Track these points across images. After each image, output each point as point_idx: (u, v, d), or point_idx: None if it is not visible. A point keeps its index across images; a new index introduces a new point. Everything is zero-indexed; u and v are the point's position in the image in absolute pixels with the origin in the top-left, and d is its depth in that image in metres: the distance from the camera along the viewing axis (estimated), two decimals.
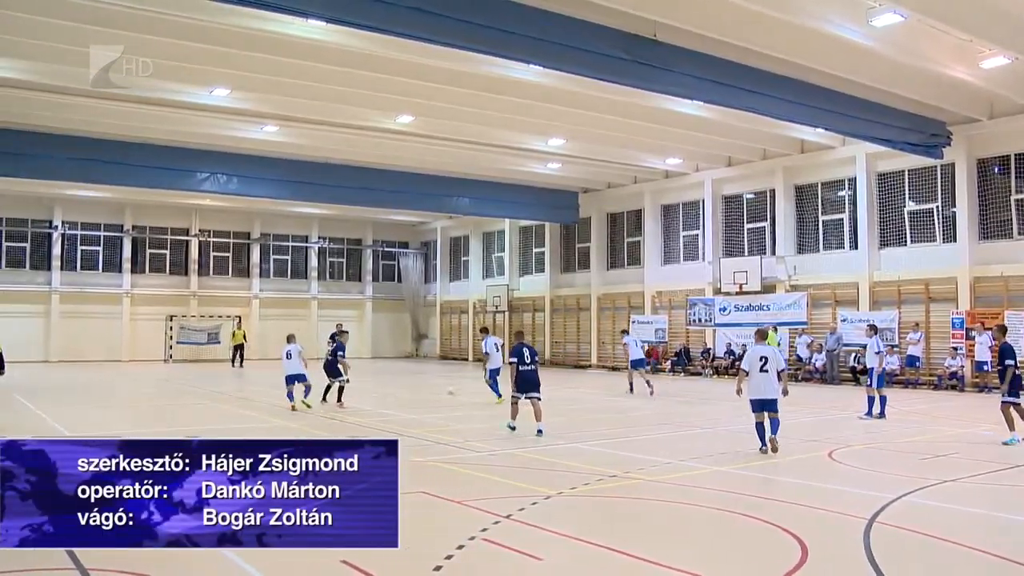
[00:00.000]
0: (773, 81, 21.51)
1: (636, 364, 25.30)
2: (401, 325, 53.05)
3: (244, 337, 43.95)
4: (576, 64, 18.98)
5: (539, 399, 15.58)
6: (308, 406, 19.93)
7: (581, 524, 8.91)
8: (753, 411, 13.54)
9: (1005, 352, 14.73)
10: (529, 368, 15.61)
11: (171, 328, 45.20)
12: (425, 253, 54.15)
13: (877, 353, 18.75)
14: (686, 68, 19.98)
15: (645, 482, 11.17)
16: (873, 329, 19.90)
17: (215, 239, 47.93)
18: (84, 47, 19.31)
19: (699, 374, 33.94)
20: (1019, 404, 14.36)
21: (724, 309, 34.12)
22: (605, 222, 41.16)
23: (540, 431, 15.13)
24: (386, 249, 53.58)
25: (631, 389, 24.86)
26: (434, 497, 9.99)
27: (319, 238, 50.71)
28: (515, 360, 15.58)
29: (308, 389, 20.25)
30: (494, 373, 22.33)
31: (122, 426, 17.82)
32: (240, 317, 46.46)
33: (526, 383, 15.54)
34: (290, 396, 19.97)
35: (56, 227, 43.41)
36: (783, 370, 13.63)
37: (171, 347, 45.11)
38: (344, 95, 24.44)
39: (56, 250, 43.63)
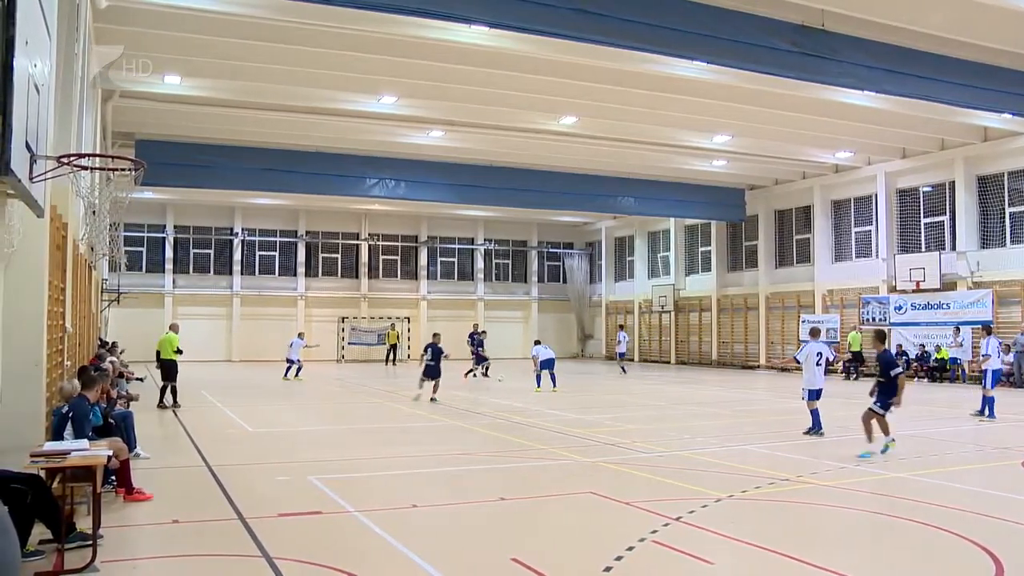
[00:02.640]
0: (950, 65, 20.48)
1: (545, 365, 26.86)
2: (566, 325, 53.22)
3: (397, 338, 45.27)
4: (741, 58, 18.60)
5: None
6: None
7: (752, 528, 8.70)
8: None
9: (888, 363, 13.65)
10: (431, 363, 22.04)
11: (343, 329, 46.76)
12: (590, 253, 54.19)
13: (985, 355, 19.05)
14: (856, 57, 19.32)
15: (819, 487, 10.81)
16: (989, 330, 19.75)
17: (384, 243, 49.36)
18: (261, 63, 20.32)
19: (873, 375, 32.58)
20: (883, 416, 13.16)
21: (900, 308, 32.73)
22: (773, 219, 40.19)
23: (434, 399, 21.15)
24: (551, 250, 53.90)
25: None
26: (603, 498, 9.98)
27: (484, 240, 51.50)
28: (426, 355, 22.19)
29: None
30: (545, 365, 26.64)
31: (304, 423, 18.55)
32: (401, 319, 47.63)
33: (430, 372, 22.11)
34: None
35: (236, 234, 45.72)
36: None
37: (343, 347, 46.72)
38: (507, 98, 24.74)
39: (237, 255, 45.94)
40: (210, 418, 18.78)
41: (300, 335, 32.97)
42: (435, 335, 23.63)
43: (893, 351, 32.32)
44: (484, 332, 34.66)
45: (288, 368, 31.37)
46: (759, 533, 8.40)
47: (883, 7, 18.04)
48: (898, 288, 32.77)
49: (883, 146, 32.18)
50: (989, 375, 18.67)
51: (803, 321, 36.66)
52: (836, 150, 32.89)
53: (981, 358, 19.34)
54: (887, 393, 13.27)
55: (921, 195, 33.35)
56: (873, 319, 33.76)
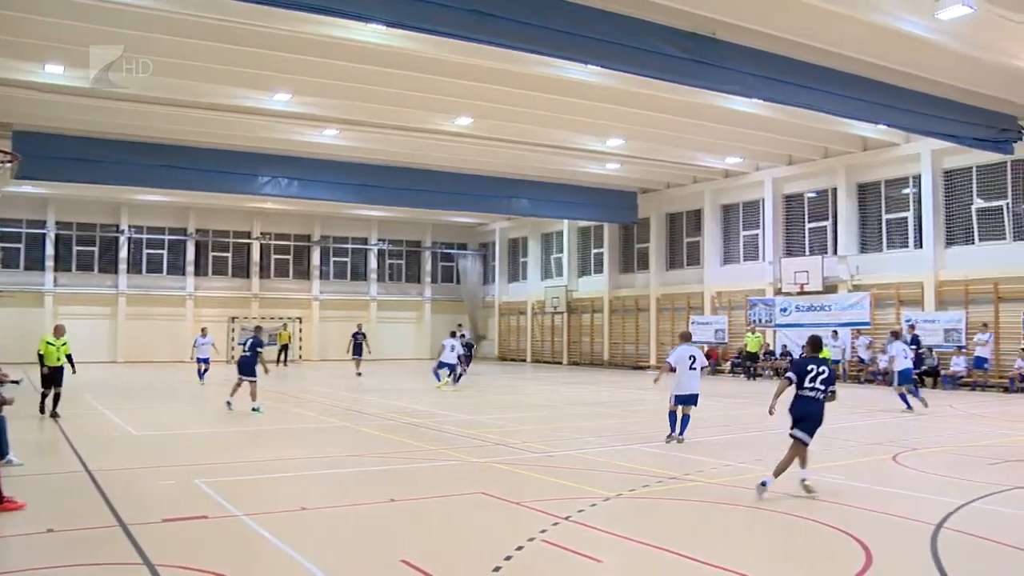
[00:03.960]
0: (834, 77, 21.19)
1: (442, 364, 27.85)
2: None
3: (289, 338, 44.69)
4: (634, 64, 18.86)
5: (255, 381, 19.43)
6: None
7: (641, 526, 8.83)
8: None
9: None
10: (247, 355, 19.69)
11: (233, 330, 45.83)
12: (484, 254, 54.38)
13: (892, 356, 20.74)
14: (745, 66, 19.78)
15: (705, 484, 11.05)
16: (898, 335, 20.80)
17: (276, 242, 48.63)
18: (151, 55, 19.73)
19: (760, 375, 33.51)
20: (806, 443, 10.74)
21: (785, 309, 33.71)
22: (664, 222, 40.95)
23: (256, 408, 19.02)
24: (445, 251, 53.91)
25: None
26: (493, 498, 10.01)
27: (378, 240, 51.20)
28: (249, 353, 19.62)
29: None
30: (441, 365, 27.28)
31: (191, 426, 18.13)
32: (292, 320, 47.00)
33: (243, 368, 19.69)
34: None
35: (123, 231, 44.37)
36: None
37: (233, 348, 45.77)
38: (403, 98, 24.62)
39: (123, 253, 44.61)
40: (92, 422, 18.08)
41: (204, 331, 31.40)
42: (257, 328, 22.07)
43: (778, 352, 33.35)
44: (364, 334, 34.93)
45: (204, 371, 29.73)
46: (646, 531, 8.53)
47: (772, 20, 18.50)
48: (783, 290, 33.75)
49: (770, 153, 33.09)
50: (895, 376, 20.57)
51: (692, 322, 37.43)
52: (726, 155, 33.68)
53: (888, 360, 20.33)
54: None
55: (806, 201, 34.42)
56: (760, 320, 34.70)
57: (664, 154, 33.10)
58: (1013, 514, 9.58)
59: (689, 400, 14.77)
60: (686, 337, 16.30)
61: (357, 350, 34.04)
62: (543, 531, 8.26)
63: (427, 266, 53.34)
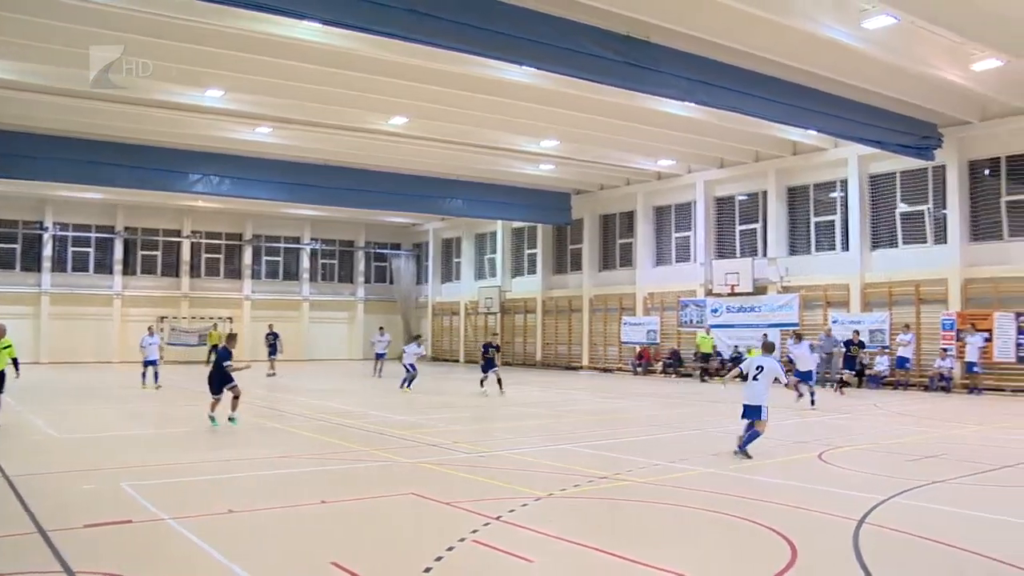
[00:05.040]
0: (765, 83, 21.57)
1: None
2: (393, 326, 52.82)
3: (219, 338, 43.93)
4: (569, 65, 18.98)
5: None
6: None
7: (571, 525, 8.89)
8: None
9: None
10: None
11: (162, 330, 45.00)
12: (417, 254, 54.28)
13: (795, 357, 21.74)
14: (678, 70, 20.03)
15: (635, 484, 11.16)
16: (800, 337, 20.92)
17: (207, 240, 47.91)
18: (78, 48, 19.32)
19: (690, 375, 33.91)
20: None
21: (716, 310, 34.15)
22: (597, 223, 41.24)
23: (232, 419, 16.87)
24: (378, 251, 53.67)
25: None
26: (424, 499, 9.99)
27: (311, 239, 50.76)
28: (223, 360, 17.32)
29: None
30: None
31: (118, 428, 17.80)
32: (223, 320, 46.40)
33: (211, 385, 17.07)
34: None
35: (47, 228, 43.33)
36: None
37: (162, 348, 44.89)
38: (338, 97, 24.46)
39: (47, 251, 43.55)
40: (11, 425, 17.56)
41: (150, 330, 29.78)
42: (230, 337, 20.86)
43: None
44: (276, 334, 35.10)
45: (156, 374, 27.47)
46: (577, 530, 8.60)
47: (705, 25, 18.71)
48: (714, 291, 34.20)
49: (703, 156, 33.52)
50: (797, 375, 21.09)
51: (624, 323, 37.80)
52: (659, 158, 34.04)
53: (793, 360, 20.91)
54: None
55: (737, 203, 34.93)
56: (691, 321, 35.12)
57: (598, 156, 33.34)
58: (930, 508, 9.85)
59: (749, 413, 13.30)
60: (768, 347, 14.74)
61: (271, 350, 34.18)
62: (474, 531, 8.28)
63: (360, 266, 53.03)
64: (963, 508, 9.83)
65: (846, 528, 8.51)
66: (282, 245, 50.27)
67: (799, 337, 22.40)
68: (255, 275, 49.37)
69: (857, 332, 28.33)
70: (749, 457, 12.98)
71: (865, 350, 28.38)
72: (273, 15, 16.80)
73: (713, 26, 18.81)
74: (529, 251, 45.49)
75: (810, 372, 21.39)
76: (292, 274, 50.82)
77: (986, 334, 26.12)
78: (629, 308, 38.67)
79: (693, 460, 13.10)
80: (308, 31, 18.61)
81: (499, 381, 25.00)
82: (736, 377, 14.22)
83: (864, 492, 10.36)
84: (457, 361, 48.71)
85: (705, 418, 19.50)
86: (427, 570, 7.02)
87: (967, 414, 20.72)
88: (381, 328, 36.85)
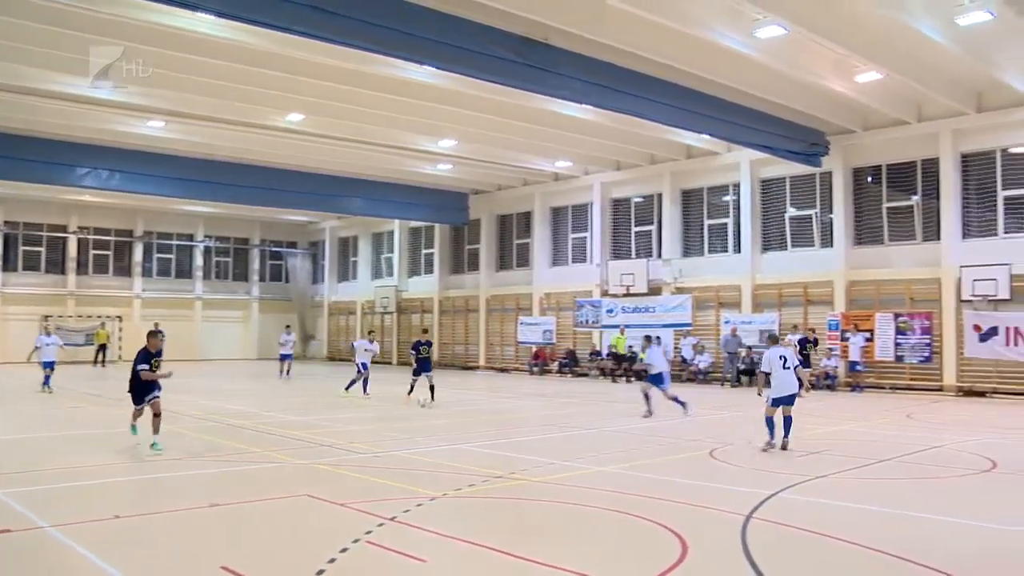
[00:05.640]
0: (661, 87, 22.00)
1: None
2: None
3: (107, 338, 42.88)
4: (468, 66, 19.03)
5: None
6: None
7: (466, 525, 8.91)
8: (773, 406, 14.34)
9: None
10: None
11: (46, 329, 43.42)
12: (313, 253, 53.68)
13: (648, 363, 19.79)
14: (577, 72, 20.26)
15: (529, 483, 11.23)
16: (651, 340, 20.39)
17: (95, 237, 46.44)
18: None
19: (586, 375, 34.28)
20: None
21: (611, 311, 34.58)
22: (495, 224, 41.40)
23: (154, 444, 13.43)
24: (274, 249, 52.83)
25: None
26: (318, 500, 9.88)
27: (205, 237, 49.69)
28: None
29: None
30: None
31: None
32: (112, 319, 45.13)
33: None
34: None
35: None
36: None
37: (62, 349, 43.32)
38: (234, 92, 24.00)
39: None
40: None
41: (47, 330, 28.17)
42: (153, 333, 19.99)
43: (604, 353, 34.15)
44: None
45: (47, 377, 25.11)
46: (471, 529, 8.61)
47: (604, 28, 18.94)
48: (610, 292, 34.63)
49: (599, 158, 33.93)
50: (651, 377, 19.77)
51: (520, 323, 38.03)
52: (556, 159, 34.33)
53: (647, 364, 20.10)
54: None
55: (633, 205, 35.45)
56: (586, 321, 35.49)
57: (496, 156, 33.46)
58: (815, 502, 10.15)
59: (789, 400, 14.24)
60: (774, 339, 15.69)
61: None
62: (368, 532, 8.22)
63: (255, 264, 52.16)
64: (846, 501, 10.18)
65: (735, 523, 8.72)
66: (174, 242, 49.07)
67: (650, 339, 21.09)
68: (146, 273, 48.06)
69: (813, 330, 28.30)
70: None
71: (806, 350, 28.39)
72: (168, 6, 16.36)
73: (611, 30, 19.07)
74: (426, 251, 45.40)
75: (661, 375, 19.48)
76: (185, 272, 49.64)
77: (867, 334, 27.11)
78: (526, 308, 38.91)
79: (587, 459, 13.26)
80: (203, 23, 18.24)
81: (431, 388, 21.81)
82: (765, 383, 14.87)
83: (753, 488, 10.63)
84: (352, 361, 48.19)
85: (600, 417, 19.71)
86: (319, 572, 6.94)
87: (850, 411, 21.47)
88: (288, 327, 36.01)
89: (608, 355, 33.89)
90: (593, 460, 13.13)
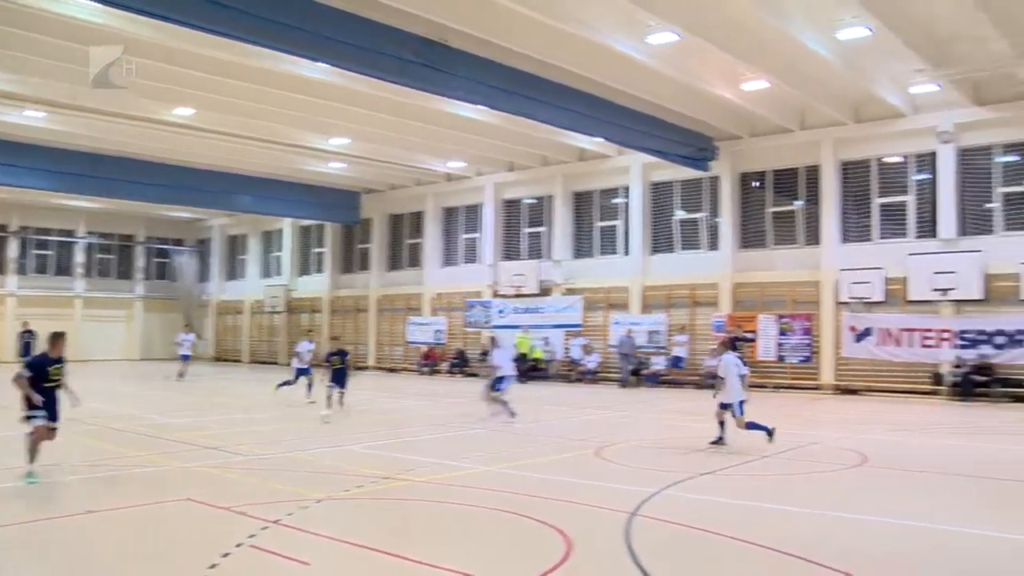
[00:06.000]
0: (555, 90, 22.21)
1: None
2: (174, 326, 50.75)
3: None
4: (364, 64, 18.88)
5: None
6: None
7: (351, 527, 8.85)
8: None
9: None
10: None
11: None
12: (201, 251, 52.42)
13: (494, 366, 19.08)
14: (473, 74, 20.31)
15: (416, 483, 11.21)
16: (495, 340, 20.20)
17: None
18: None
19: (476, 375, 34.32)
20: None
21: (502, 311, 34.74)
22: (387, 223, 41.19)
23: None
24: (160, 246, 51.40)
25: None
26: (200, 504, 9.67)
27: (87, 233, 48.02)
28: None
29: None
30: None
31: None
32: None
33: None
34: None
35: None
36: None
37: None
38: None
39: None
40: None
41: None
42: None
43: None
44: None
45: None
46: (357, 531, 8.57)
47: (500, 30, 19.07)
48: (500, 293, 34.78)
49: (493, 159, 34.04)
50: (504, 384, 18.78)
51: (410, 323, 37.93)
52: (449, 160, 34.31)
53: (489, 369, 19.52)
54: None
55: (525, 206, 35.65)
56: (477, 322, 35.56)
57: (388, 156, 33.24)
58: (696, 498, 10.39)
59: (737, 406, 14.69)
60: (730, 346, 16.04)
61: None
62: (251, 536, 8.07)
63: (140, 262, 50.61)
64: (728, 497, 10.44)
65: (619, 521, 8.84)
66: (53, 238, 47.27)
67: (494, 341, 20.40)
68: (21, 270, 46.10)
69: (739, 325, 28.42)
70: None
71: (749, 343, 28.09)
72: None
73: (509, 34, 19.21)
74: (317, 250, 44.87)
75: (503, 378, 18.64)
76: (64, 269, 47.83)
77: (751, 335, 27.89)
78: (416, 308, 38.79)
79: (474, 458, 13.30)
80: (85, 10, 17.57)
81: (341, 395, 20.02)
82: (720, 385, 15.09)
83: (639, 486, 10.81)
84: (240, 361, 47.41)
85: (489, 417, 19.70)
86: None
87: None
88: (187, 325, 34.88)
89: (457, 356, 34.06)
90: (480, 460, 13.18)
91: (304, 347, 24.04)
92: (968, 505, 10.59)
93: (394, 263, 40.99)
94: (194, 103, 25.41)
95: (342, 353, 20.80)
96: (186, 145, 31.09)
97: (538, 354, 32.79)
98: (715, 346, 15.63)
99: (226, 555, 7.45)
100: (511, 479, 11.56)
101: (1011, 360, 23.98)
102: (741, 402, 14.59)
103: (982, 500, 10.94)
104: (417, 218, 39.73)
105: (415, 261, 39.78)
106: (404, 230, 40.66)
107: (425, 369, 36.57)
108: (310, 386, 22.94)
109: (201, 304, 51.48)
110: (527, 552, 7.99)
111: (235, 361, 47.64)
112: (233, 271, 50.58)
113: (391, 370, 38.68)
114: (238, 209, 40.43)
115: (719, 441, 14.74)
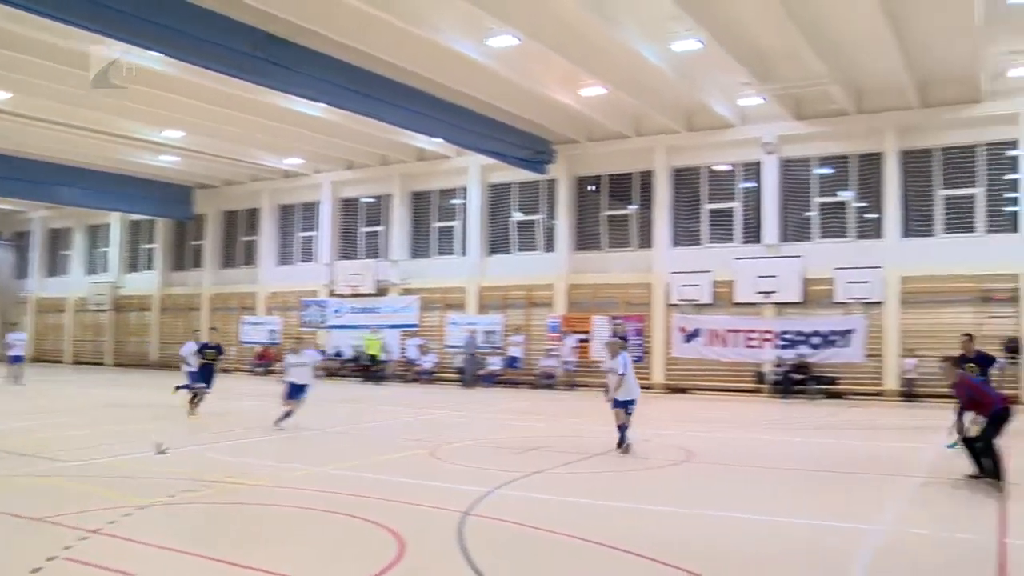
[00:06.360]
0: (395, 89, 22.18)
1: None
2: None
3: None
4: (202, 56, 18.41)
5: None
6: None
7: (177, 534, 8.58)
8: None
9: None
10: None
11: None
12: (19, 245, 49.60)
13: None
14: (313, 70, 20.10)
15: (247, 486, 10.95)
16: (294, 351, 18.44)
17: None
18: None
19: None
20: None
21: (338, 311, 34.41)
22: (221, 220, 40.16)
23: None
24: None
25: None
26: (10, 516, 9.08)
27: None
28: None
29: None
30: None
31: None
32: None
33: None
34: None
35: None
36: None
37: None
38: None
39: None
40: None
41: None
42: None
43: (332, 352, 33.87)
44: None
45: None
46: (183, 538, 8.33)
47: (340, 26, 18.91)
48: (337, 292, 34.43)
49: (330, 156, 33.64)
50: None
51: (244, 322, 37.07)
52: (286, 156, 33.71)
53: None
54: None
55: (363, 205, 35.37)
56: (312, 321, 35.07)
57: (223, 150, 32.39)
58: (529, 496, 10.57)
59: (631, 404, 14.27)
60: (623, 344, 15.51)
61: None
62: (67, 547, 7.64)
63: None
64: (560, 495, 10.64)
65: (452, 520, 8.88)
66: None
67: (299, 346, 19.06)
68: None
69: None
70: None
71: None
72: None
73: (348, 28, 19.09)
74: (147, 246, 43.29)
75: (304, 387, 17.60)
76: None
77: (582, 335, 28.57)
78: (250, 307, 37.93)
79: (307, 460, 13.12)
80: None
81: (201, 396, 18.91)
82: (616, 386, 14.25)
83: (471, 485, 10.89)
84: (62, 362, 45.19)
85: (323, 418, 19.41)
86: None
87: (566, 409, 22.46)
88: (15, 324, 32.64)
89: (353, 357, 33.62)
90: (313, 461, 13.02)
91: (188, 348, 20.16)
92: (787, 495, 11.19)
93: (228, 261, 39.96)
94: (13, 88, 24.06)
95: (219, 348, 19.62)
96: (5, 132, 29.29)
97: (375, 352, 32.47)
98: (607, 345, 15.41)
99: (36, 570, 7.01)
100: (344, 480, 11.45)
101: (825, 359, 25.46)
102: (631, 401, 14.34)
103: (800, 490, 11.59)
104: (252, 215, 38.86)
105: (250, 259, 38.89)
106: (239, 227, 39.69)
107: (259, 369, 35.77)
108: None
109: (19, 302, 48.70)
110: (359, 553, 7.95)
111: (56, 362, 45.35)
112: (55, 267, 48.13)
113: (224, 370, 37.54)
114: (62, 202, 38.43)
115: (624, 445, 14.11)
